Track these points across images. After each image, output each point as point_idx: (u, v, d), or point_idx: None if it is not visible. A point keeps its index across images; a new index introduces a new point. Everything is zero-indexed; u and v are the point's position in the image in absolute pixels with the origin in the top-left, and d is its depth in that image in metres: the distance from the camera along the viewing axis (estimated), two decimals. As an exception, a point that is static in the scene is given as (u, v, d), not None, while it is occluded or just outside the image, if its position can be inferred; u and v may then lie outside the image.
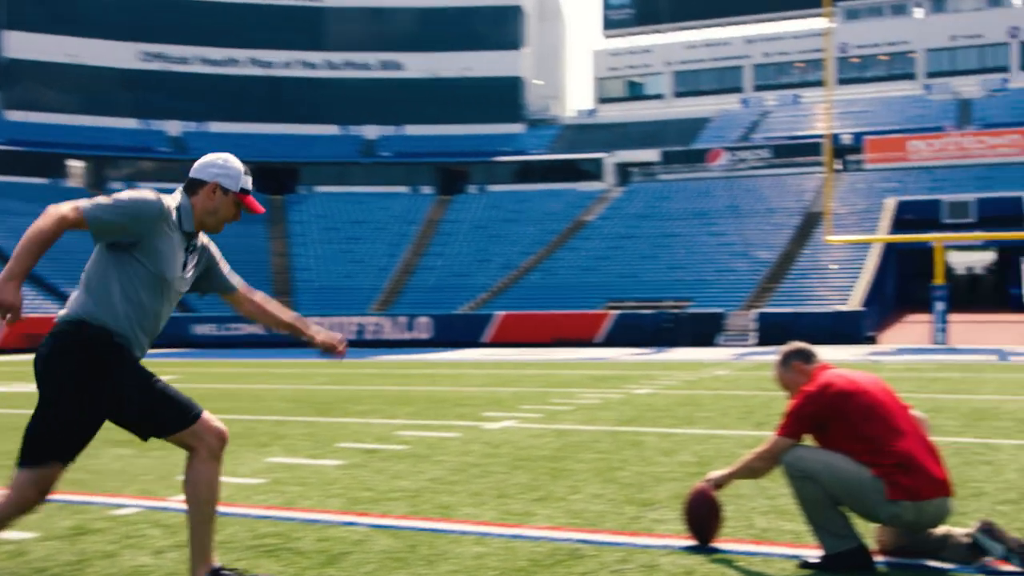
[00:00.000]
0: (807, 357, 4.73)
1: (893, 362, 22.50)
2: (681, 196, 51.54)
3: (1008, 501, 6.04)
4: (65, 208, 3.70)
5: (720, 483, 4.76)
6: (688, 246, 44.32)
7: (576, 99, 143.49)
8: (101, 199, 3.79)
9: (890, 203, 44.32)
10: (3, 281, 3.55)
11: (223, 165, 4.08)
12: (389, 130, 63.78)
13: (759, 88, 69.70)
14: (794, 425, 4.46)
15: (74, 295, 3.92)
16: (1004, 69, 64.33)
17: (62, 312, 3.91)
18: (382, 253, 49.37)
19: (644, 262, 43.01)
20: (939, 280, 31.92)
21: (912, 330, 36.00)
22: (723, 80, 70.77)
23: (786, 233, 44.52)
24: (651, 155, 57.30)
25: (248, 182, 4.14)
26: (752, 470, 4.62)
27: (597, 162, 58.94)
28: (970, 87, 60.93)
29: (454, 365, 23.70)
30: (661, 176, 55.52)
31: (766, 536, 5.08)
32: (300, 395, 15.01)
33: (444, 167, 60.71)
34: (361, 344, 36.66)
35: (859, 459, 4.30)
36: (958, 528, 4.52)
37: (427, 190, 58.85)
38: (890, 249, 41.82)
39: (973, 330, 34.81)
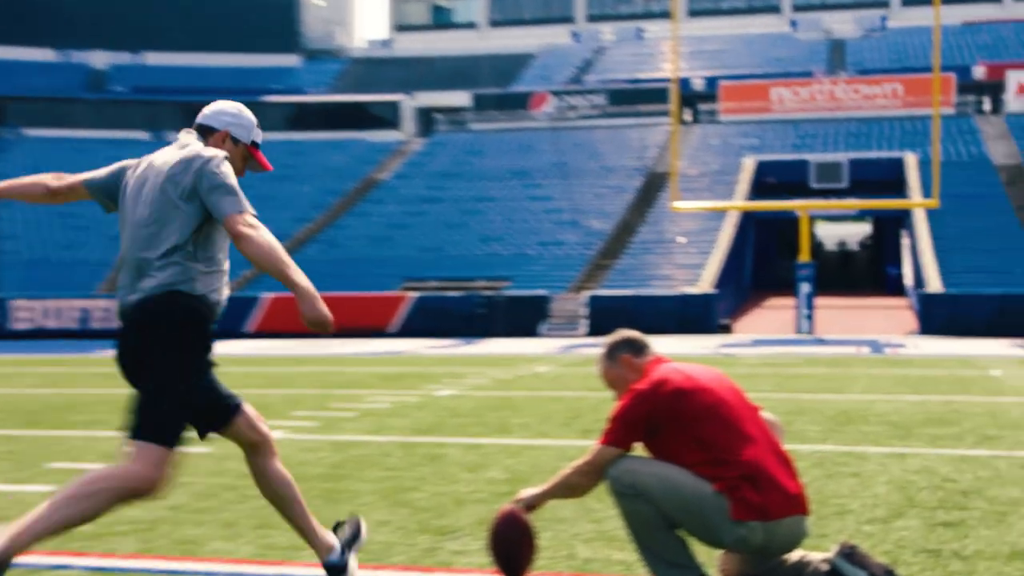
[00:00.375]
0: (638, 349, 4.82)
1: (750, 355, 23.39)
2: (497, 150, 52.01)
3: (875, 520, 6.38)
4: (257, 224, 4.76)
5: (533, 504, 4.83)
6: (505, 213, 44.81)
7: (367, 27, 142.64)
8: (233, 185, 4.79)
9: (749, 163, 45.99)
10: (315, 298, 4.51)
11: (236, 114, 4.91)
12: (124, 58, 61.87)
13: (593, 19, 71.08)
14: (621, 431, 4.56)
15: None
16: (883, 4, 67.61)
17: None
18: (114, 219, 47.84)
19: (451, 232, 43.26)
20: (805, 257, 33.35)
21: (773, 317, 37.51)
22: (550, 7, 71.82)
23: (625, 198, 45.60)
24: (460, 99, 57.60)
25: (259, 135, 5.00)
26: (571, 487, 4.70)
27: (393, 106, 58.86)
28: (844, 25, 63.82)
29: (207, 362, 23.28)
30: (472, 125, 55.88)
31: (590, 567, 5.20)
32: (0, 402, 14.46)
33: (196, 107, 59.17)
34: (86, 335, 35.58)
35: (699, 472, 4.43)
36: (815, 552, 4.73)
37: (174, 136, 57.45)
38: (748, 219, 43.41)
39: (844, 317, 36.56)
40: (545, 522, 5.66)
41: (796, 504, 4.46)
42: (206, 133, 4.94)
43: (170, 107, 58.93)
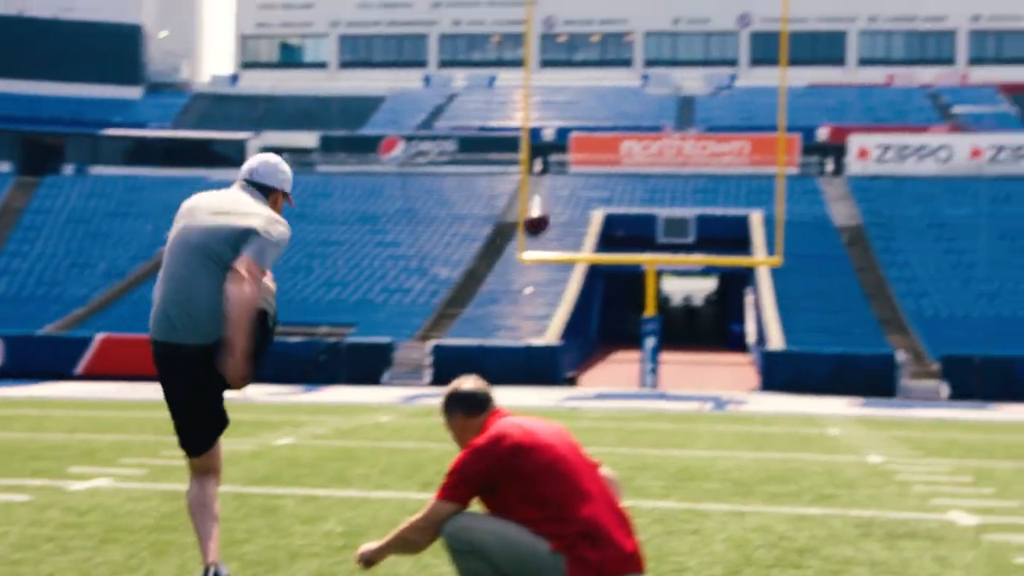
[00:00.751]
0: (471, 407, 4.80)
1: (594, 409, 23.60)
2: (344, 194, 51.85)
3: (712, 577, 6.48)
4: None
5: (371, 559, 4.80)
6: (351, 258, 44.64)
7: (214, 61, 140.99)
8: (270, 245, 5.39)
9: (598, 215, 46.64)
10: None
11: (285, 171, 5.81)
12: (-50, 84, 60.14)
13: (445, 64, 71.61)
14: (458, 487, 4.56)
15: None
16: (732, 63, 69.52)
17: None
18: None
19: (294, 276, 42.88)
20: (651, 311, 33.87)
21: (618, 370, 37.96)
22: (402, 50, 72.17)
23: (473, 247, 45.82)
24: (308, 139, 57.37)
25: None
26: (408, 543, 4.68)
27: (238, 145, 58.29)
28: (693, 82, 65.36)
29: (35, 403, 22.61)
30: (320, 167, 55.65)
31: (426, 625, 5.16)
32: None
33: (29, 138, 58.00)
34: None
35: (536, 529, 4.44)
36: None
37: (3, 167, 55.95)
38: (596, 272, 43.97)
39: (688, 372, 37.20)
40: (381, 578, 5.60)
41: (632, 562, 4.51)
42: (265, 192, 5.72)
43: (6, 135, 57.47)
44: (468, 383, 4.90)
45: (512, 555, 4.42)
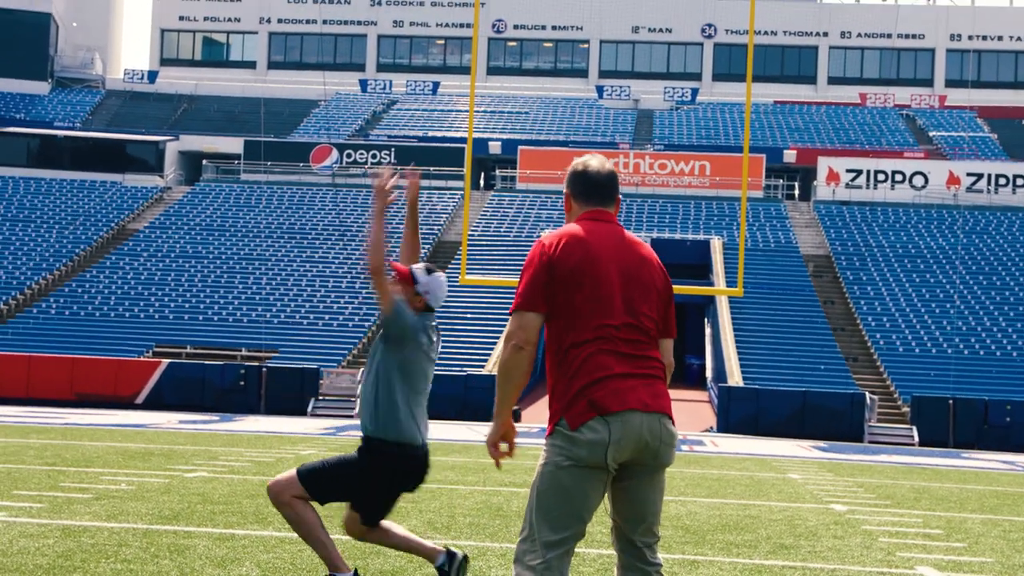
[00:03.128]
0: (583, 196, 5.33)
1: (536, 446, 23.53)
2: (270, 205, 51.66)
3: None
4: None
5: (505, 429, 4.99)
6: (276, 275, 44.46)
7: (130, 56, 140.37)
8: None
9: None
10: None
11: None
12: None
13: (384, 68, 71.59)
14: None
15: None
16: (695, 76, 69.97)
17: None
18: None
19: (213, 293, 42.65)
20: (600, 342, 33.90)
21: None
22: (338, 51, 72.08)
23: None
24: (232, 145, 57.16)
25: None
26: (510, 375, 4.96)
27: (154, 147, 57.95)
28: (652, 96, 65.76)
29: (-82, 428, 22.32)
30: (245, 175, 55.46)
31: None
32: None
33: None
34: None
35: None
36: None
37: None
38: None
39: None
40: None
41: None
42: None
43: None
44: (595, 161, 5.17)
45: None
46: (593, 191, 5.02)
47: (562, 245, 4.83)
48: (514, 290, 4.68)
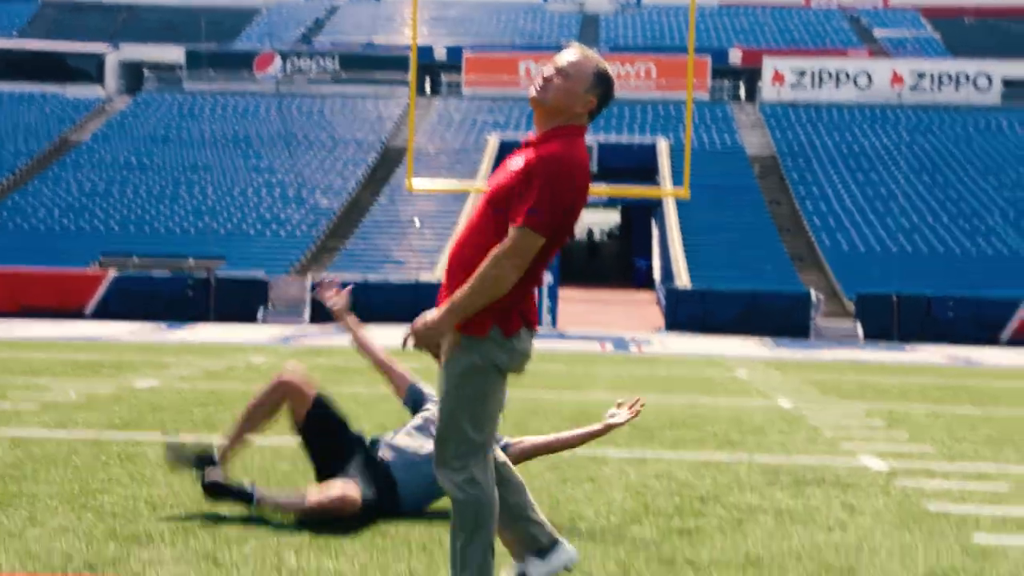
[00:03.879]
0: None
1: (486, 350, 23.63)
2: (214, 114, 51.19)
3: (608, 527, 6.60)
4: None
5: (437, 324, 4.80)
6: (222, 185, 44.16)
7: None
8: None
9: (493, 141, 46.60)
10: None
11: None
12: None
13: (328, -27, 70.55)
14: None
15: None
16: (640, -22, 69.53)
17: None
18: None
19: (158, 204, 42.33)
20: (548, 245, 33.96)
21: (513, 309, 38.14)
22: (279, -44, 70.95)
23: (356, 174, 45.56)
24: (174, 54, 56.44)
25: None
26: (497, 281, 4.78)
27: (95, 58, 57.16)
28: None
29: None
30: (187, 85, 54.85)
31: (299, 578, 5.17)
32: None
33: None
34: None
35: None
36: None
37: None
38: (490, 202, 43.96)
39: (589, 310, 37.49)
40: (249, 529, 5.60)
41: None
42: None
43: None
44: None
45: None
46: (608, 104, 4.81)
47: (586, 173, 4.61)
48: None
